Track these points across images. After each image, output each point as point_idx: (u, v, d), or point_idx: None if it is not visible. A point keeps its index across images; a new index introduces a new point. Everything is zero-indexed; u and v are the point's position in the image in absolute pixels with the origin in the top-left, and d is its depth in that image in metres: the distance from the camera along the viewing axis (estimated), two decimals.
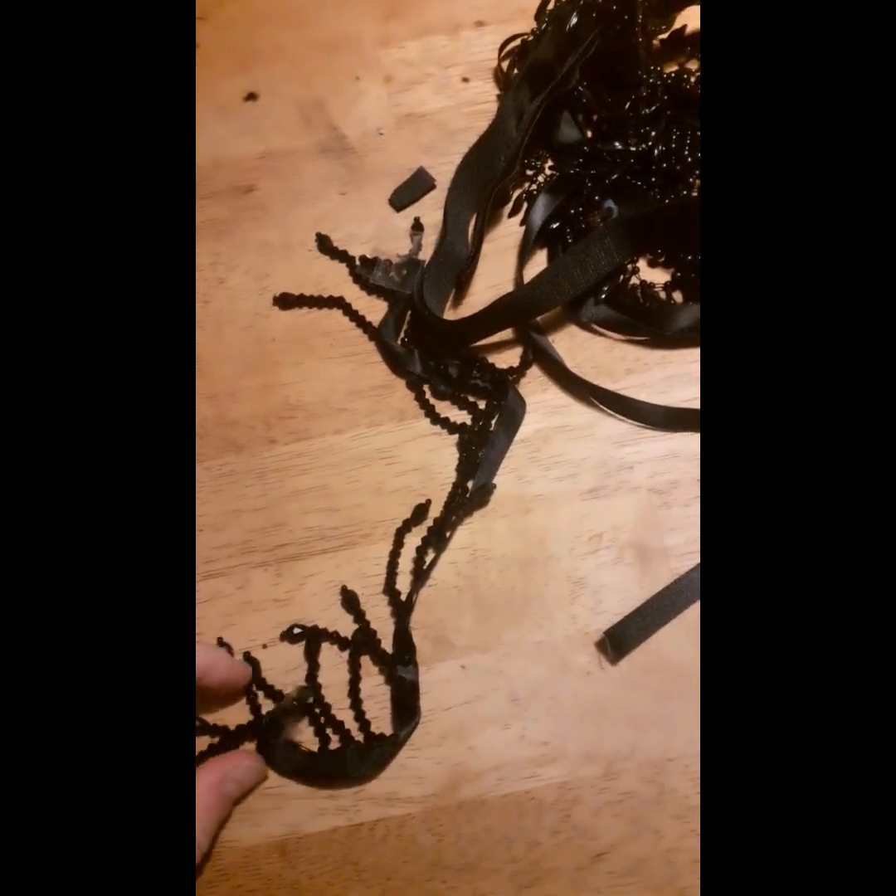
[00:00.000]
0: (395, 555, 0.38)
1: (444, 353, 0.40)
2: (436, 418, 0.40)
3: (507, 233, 0.43)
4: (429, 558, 0.38)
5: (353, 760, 0.35)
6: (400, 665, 0.36)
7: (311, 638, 0.36)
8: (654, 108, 0.41)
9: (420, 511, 0.38)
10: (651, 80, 0.42)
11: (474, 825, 0.35)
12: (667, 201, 0.41)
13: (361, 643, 0.36)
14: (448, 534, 0.38)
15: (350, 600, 0.37)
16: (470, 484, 0.39)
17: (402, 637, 0.36)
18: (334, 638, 0.37)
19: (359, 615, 0.37)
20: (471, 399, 0.40)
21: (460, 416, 0.40)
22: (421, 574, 0.37)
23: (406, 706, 0.35)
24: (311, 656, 0.36)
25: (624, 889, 0.34)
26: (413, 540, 0.38)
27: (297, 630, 0.37)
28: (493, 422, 0.39)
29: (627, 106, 0.42)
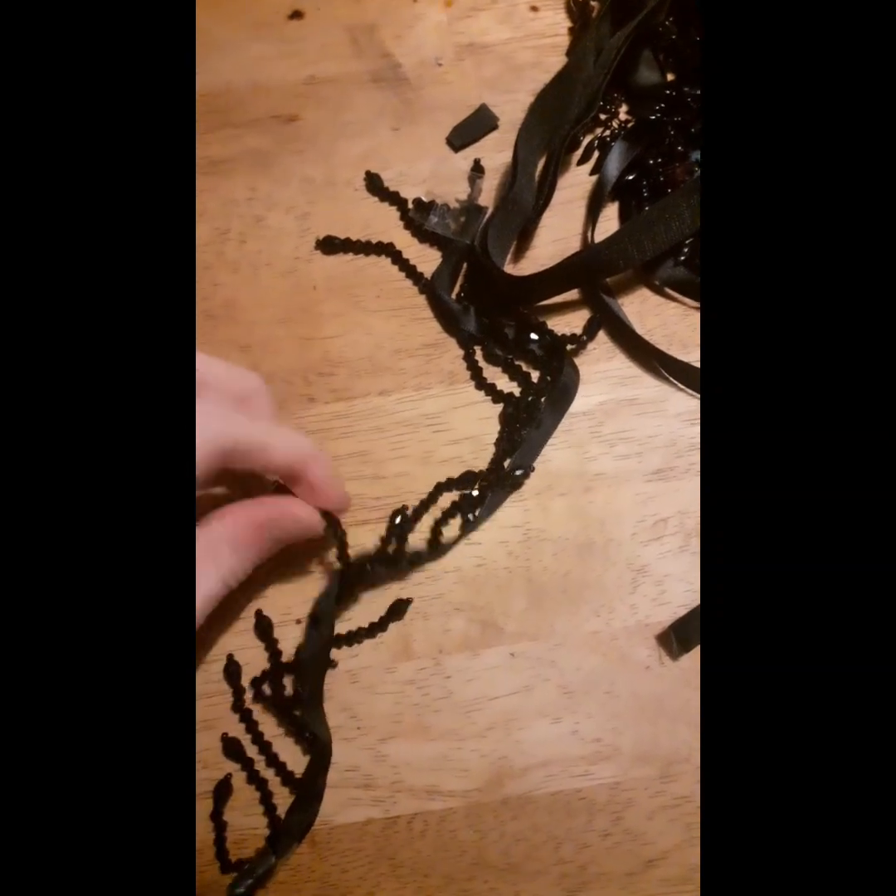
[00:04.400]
0: (422, 509, 0.35)
1: (502, 312, 0.37)
2: (482, 383, 0.36)
3: (575, 182, 0.39)
4: (451, 535, 0.34)
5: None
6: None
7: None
8: None
9: (469, 478, 0.35)
10: None
11: (520, 823, 0.32)
12: None
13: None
14: (475, 513, 0.35)
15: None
16: (507, 463, 0.35)
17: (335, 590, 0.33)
18: None
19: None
20: (523, 368, 0.37)
21: (512, 385, 0.37)
22: (433, 549, 0.34)
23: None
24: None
25: None
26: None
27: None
28: (543, 399, 0.36)
29: None
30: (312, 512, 0.32)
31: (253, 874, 0.31)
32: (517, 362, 0.37)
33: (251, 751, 0.33)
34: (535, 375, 0.37)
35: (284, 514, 0.31)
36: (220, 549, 0.29)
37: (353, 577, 0.33)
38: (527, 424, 0.35)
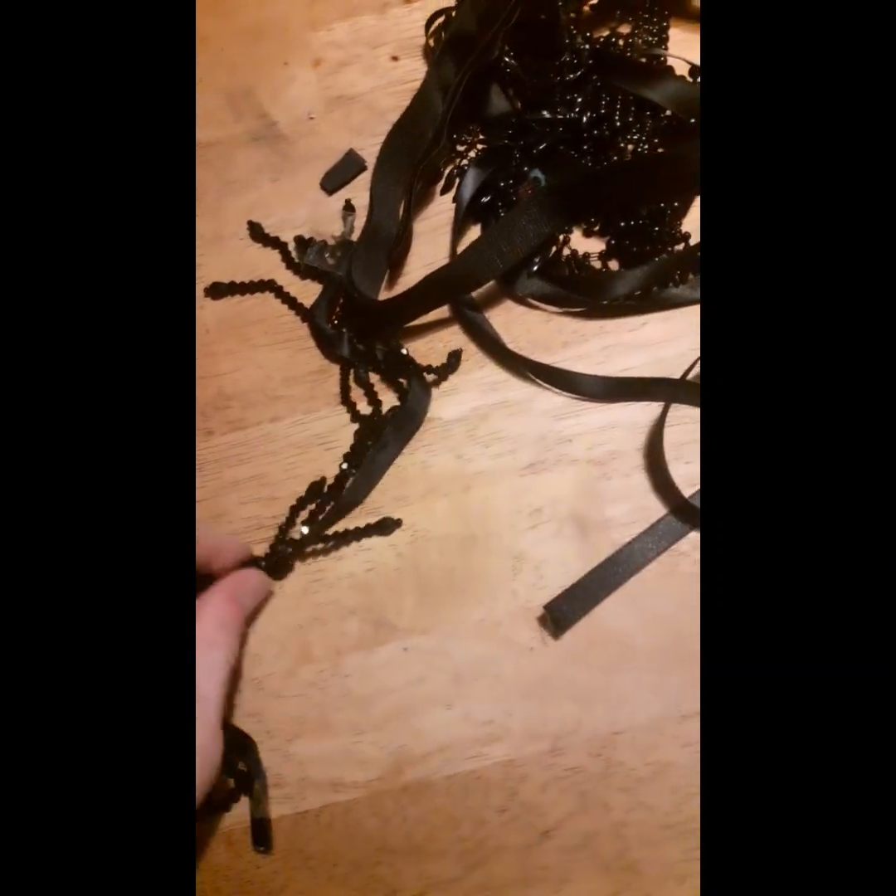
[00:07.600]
0: (291, 518, 0.38)
1: (376, 336, 0.40)
2: (346, 400, 0.39)
3: (441, 211, 0.43)
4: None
5: None
6: None
7: None
8: (578, 74, 0.41)
9: (315, 489, 0.38)
10: (575, 47, 0.41)
11: (420, 807, 0.34)
12: (595, 167, 0.40)
13: None
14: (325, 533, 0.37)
15: None
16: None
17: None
18: None
19: None
20: (379, 392, 0.39)
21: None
22: (292, 546, 0.37)
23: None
24: None
25: (572, 865, 0.33)
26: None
27: None
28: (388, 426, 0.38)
29: (552, 74, 0.41)
30: (255, 572, 0.36)
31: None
32: (373, 388, 0.39)
33: None
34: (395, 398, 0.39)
35: (240, 580, 0.35)
36: (216, 636, 0.31)
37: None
38: (373, 444, 0.38)
